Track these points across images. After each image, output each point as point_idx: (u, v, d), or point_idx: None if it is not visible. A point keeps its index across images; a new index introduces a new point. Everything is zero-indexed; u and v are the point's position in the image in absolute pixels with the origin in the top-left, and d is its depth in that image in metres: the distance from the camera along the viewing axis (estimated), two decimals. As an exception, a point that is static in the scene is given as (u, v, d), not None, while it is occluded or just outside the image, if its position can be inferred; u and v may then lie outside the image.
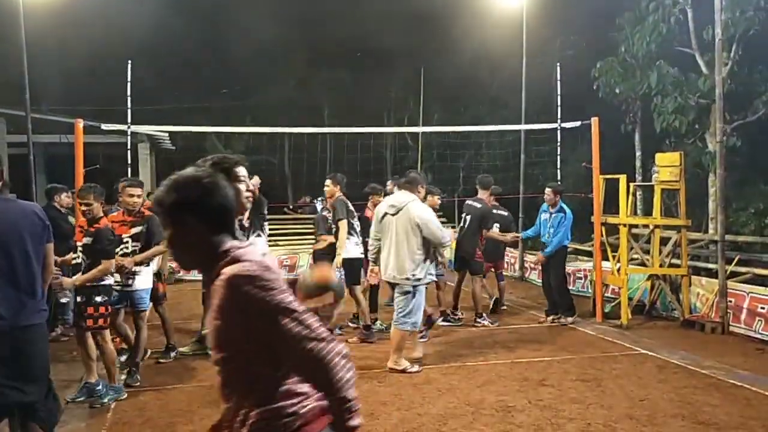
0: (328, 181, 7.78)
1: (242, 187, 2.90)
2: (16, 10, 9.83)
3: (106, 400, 5.40)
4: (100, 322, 5.39)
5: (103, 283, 5.40)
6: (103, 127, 8.98)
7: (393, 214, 6.43)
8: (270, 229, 15.82)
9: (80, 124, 7.79)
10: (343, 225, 7.45)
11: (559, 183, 9.36)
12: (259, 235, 6.24)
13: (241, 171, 2.96)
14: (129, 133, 9.07)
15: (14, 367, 3.56)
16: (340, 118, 22.93)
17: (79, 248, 5.43)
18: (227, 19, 22.26)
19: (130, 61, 8.98)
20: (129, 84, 9.07)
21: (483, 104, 21.67)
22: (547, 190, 8.82)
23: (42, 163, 16.16)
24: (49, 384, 3.88)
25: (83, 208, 5.37)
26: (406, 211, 6.35)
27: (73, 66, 20.45)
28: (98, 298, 5.34)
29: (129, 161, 9.18)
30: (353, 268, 7.68)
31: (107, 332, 5.51)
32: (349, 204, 7.75)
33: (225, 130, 16.98)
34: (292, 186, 25.10)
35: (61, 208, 7.92)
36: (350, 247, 7.58)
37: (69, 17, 16.52)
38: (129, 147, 9.23)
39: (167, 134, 17.19)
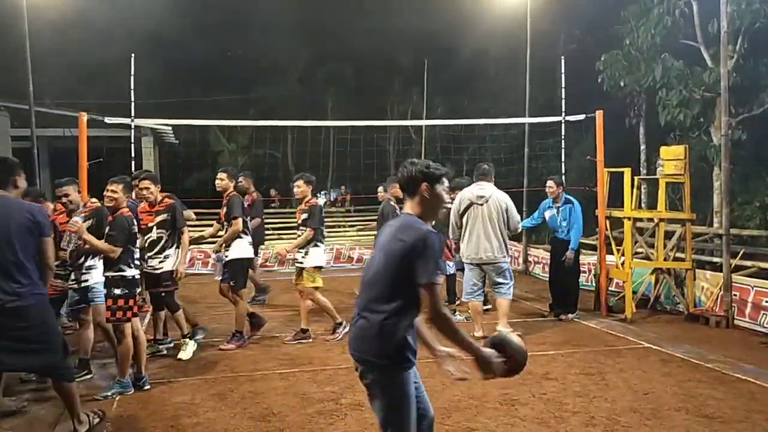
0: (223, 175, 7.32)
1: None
2: (20, 4, 9.84)
3: (109, 394, 5.39)
4: (118, 314, 5.38)
5: (123, 274, 5.37)
6: (107, 120, 8.98)
7: (481, 204, 7.29)
8: (274, 223, 15.85)
9: (84, 117, 7.80)
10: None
11: (558, 176, 9.25)
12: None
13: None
14: (132, 126, 9.07)
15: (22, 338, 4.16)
16: (343, 112, 22.92)
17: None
18: (231, 13, 22.22)
19: (133, 55, 8.96)
20: (132, 78, 9.06)
21: (487, 98, 21.63)
22: (549, 182, 8.68)
23: (46, 156, 16.19)
24: (64, 347, 4.41)
25: (110, 195, 5.47)
26: (495, 199, 7.31)
27: (77, 60, 20.48)
28: (117, 291, 5.33)
29: (133, 155, 9.18)
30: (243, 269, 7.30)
31: (128, 325, 5.45)
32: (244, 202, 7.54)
33: (228, 123, 16.96)
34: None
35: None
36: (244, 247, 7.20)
37: (73, 11, 16.52)
38: (132, 141, 9.23)
39: (171, 128, 17.21)
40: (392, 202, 8.50)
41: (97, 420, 4.67)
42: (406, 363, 3.04)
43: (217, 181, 7.15)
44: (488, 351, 3.10)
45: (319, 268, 7.37)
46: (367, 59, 23.50)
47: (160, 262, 6.60)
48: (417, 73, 21.85)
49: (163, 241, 6.63)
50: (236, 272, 7.09)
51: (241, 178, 8.72)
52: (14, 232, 4.12)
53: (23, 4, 9.59)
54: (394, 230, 3.05)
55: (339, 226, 19.18)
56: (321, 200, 9.51)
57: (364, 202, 19.57)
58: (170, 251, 6.65)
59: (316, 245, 7.30)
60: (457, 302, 8.91)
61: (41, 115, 12.16)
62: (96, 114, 9.82)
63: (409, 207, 3.17)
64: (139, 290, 5.60)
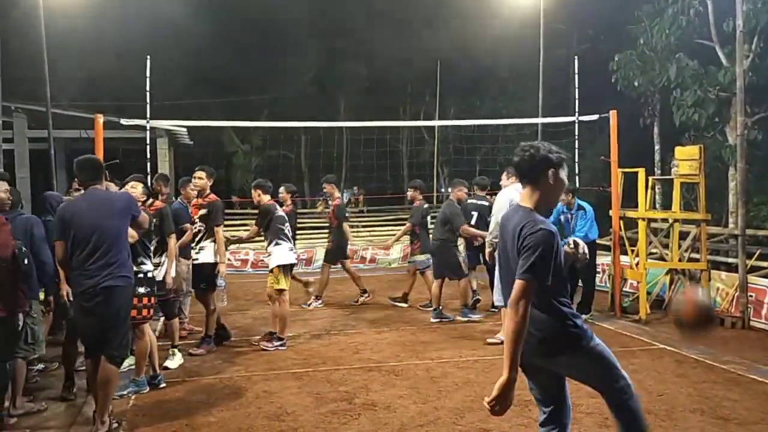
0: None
1: None
2: (36, 6, 9.95)
3: (125, 393, 5.43)
4: (144, 313, 5.39)
5: (144, 272, 5.40)
6: (123, 122, 9.07)
7: None
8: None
9: (100, 119, 7.88)
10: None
11: (569, 183, 9.14)
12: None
13: None
14: (148, 128, 9.15)
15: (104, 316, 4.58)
16: (355, 113, 22.96)
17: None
18: (244, 14, 22.33)
19: (149, 57, 9.04)
20: (148, 80, 9.13)
21: (500, 98, 21.59)
22: None
23: (63, 157, 16.33)
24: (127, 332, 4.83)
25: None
26: None
27: (93, 62, 20.66)
28: (141, 289, 5.31)
29: (148, 156, 9.25)
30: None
31: (146, 325, 5.51)
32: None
33: (242, 124, 17.06)
34: (309, 180, 25.17)
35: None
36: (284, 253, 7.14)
37: (89, 13, 16.66)
38: (148, 142, 9.31)
39: (185, 129, 17.30)
40: (454, 203, 8.66)
41: (116, 425, 4.74)
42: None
43: (195, 181, 7.01)
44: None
45: (284, 267, 7.08)
46: (379, 59, 23.52)
47: (196, 253, 6.94)
48: (430, 74, 21.85)
49: (201, 234, 6.96)
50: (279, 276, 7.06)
51: (281, 190, 8.92)
52: (108, 219, 4.59)
53: (39, 6, 9.69)
54: (517, 229, 2.96)
55: (352, 227, 19.20)
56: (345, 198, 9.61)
57: (377, 203, 19.62)
58: (205, 243, 6.94)
59: (278, 243, 7.07)
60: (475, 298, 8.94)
61: (58, 117, 12.27)
62: (112, 115, 9.91)
63: (527, 196, 3.06)
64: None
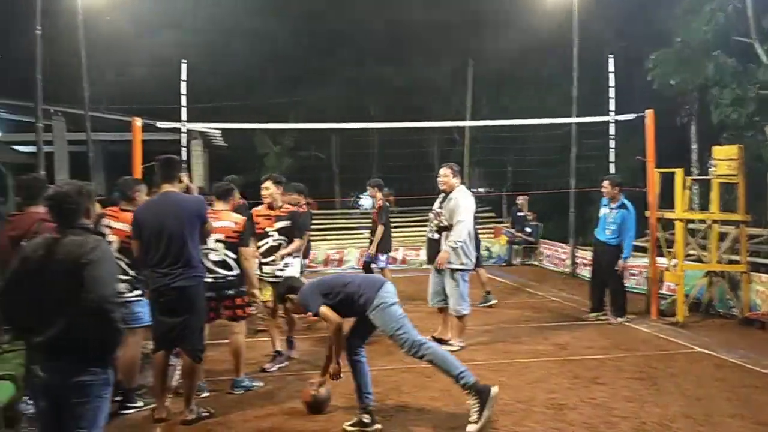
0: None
1: None
2: (75, 11, 10.18)
3: (243, 390, 5.61)
4: (238, 312, 5.59)
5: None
6: (159, 125, 9.24)
7: None
8: (318, 224, 16.00)
9: (138, 122, 8.03)
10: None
11: (617, 175, 9.02)
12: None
13: None
14: (183, 130, 9.29)
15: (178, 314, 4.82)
16: (386, 114, 22.97)
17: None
18: (275, 16, 22.51)
19: (185, 61, 9.18)
20: (184, 83, 9.27)
21: (532, 97, 21.36)
22: (605, 183, 8.42)
23: (101, 160, 16.68)
24: (201, 330, 5.03)
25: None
26: None
27: (130, 65, 21.05)
28: (241, 289, 5.54)
29: (185, 158, 9.40)
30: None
31: (242, 324, 5.67)
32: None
33: (274, 126, 17.24)
34: (339, 182, 25.26)
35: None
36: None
37: (125, 17, 16.99)
38: (184, 144, 9.45)
39: (219, 131, 17.55)
40: None
41: (206, 414, 4.98)
42: None
43: (263, 191, 6.47)
44: None
45: None
46: (408, 60, 23.48)
47: (280, 270, 6.31)
48: (461, 74, 21.74)
49: (278, 247, 6.41)
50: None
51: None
52: (180, 221, 4.77)
53: (78, 10, 9.93)
54: None
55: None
56: (366, 201, 9.57)
57: (408, 203, 19.59)
58: (290, 259, 6.42)
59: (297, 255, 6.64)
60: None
61: (95, 120, 12.55)
62: (148, 118, 10.09)
63: None
64: (211, 294, 5.54)
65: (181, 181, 5.18)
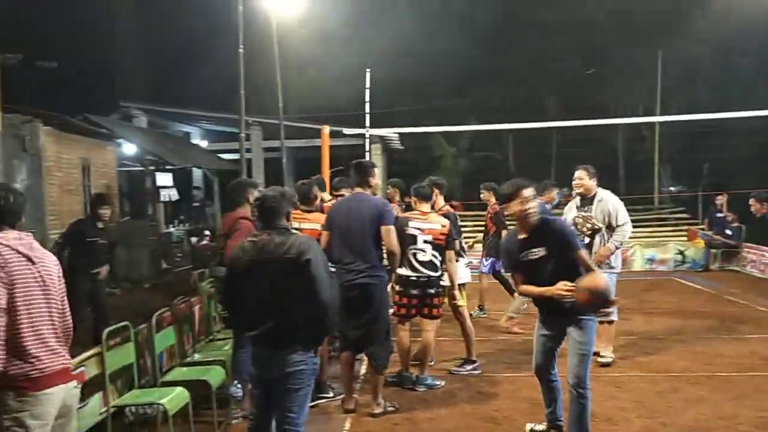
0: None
1: None
2: (270, 31, 11.05)
3: (425, 388, 5.73)
4: (434, 312, 5.73)
5: (399, 273, 5.63)
6: (345, 131, 9.73)
7: None
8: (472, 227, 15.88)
9: (326, 130, 8.54)
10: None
11: None
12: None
13: None
14: (367, 136, 9.69)
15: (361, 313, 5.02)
16: (566, 111, 22.21)
17: None
18: (452, 19, 22.73)
19: (368, 70, 9.57)
20: (367, 91, 9.67)
21: (731, 89, 19.46)
22: None
23: (291, 165, 17.96)
24: (387, 332, 5.16)
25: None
26: None
27: (313, 75, 22.43)
28: (397, 287, 5.73)
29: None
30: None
31: (435, 323, 5.83)
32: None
33: (450, 129, 17.44)
34: (516, 182, 24.87)
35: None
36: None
37: (313, 33, 18.13)
38: (368, 149, 9.87)
39: (397, 135, 18.12)
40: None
41: (392, 409, 5.17)
42: None
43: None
44: None
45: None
46: (589, 53, 22.51)
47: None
48: (650, 66, 20.43)
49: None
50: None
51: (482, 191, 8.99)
52: (367, 221, 4.98)
53: (273, 34, 10.77)
54: None
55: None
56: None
57: (589, 203, 18.82)
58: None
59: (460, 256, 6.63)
60: None
61: (286, 128, 13.53)
62: (333, 125, 10.67)
63: None
64: (416, 292, 5.69)
65: (370, 186, 5.31)
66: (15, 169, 10.29)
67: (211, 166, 18.17)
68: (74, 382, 3.09)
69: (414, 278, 5.60)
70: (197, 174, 20.17)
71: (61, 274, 3.10)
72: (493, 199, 8.91)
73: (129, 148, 16.27)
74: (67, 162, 12.86)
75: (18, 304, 2.81)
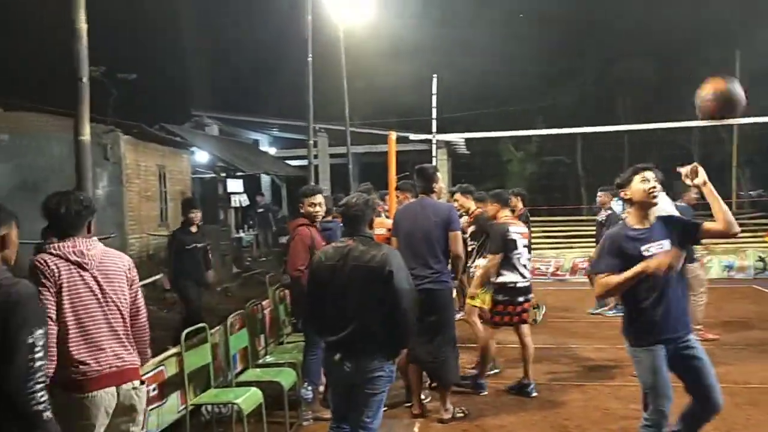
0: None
1: None
2: (336, 40, 11.22)
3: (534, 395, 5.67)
4: (524, 316, 5.74)
5: (503, 281, 5.67)
6: (411, 137, 9.78)
7: None
8: (565, 231, 15.61)
9: (393, 135, 8.58)
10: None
11: None
12: None
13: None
14: (434, 141, 9.70)
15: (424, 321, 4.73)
16: (638, 113, 21.58)
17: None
18: (518, 21, 22.50)
19: (435, 76, 9.59)
20: (434, 97, 9.69)
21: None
22: None
23: (356, 170, 18.17)
24: (454, 347, 5.09)
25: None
26: None
27: (378, 81, 22.61)
28: (499, 297, 5.68)
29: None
30: None
31: (525, 327, 5.77)
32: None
33: (519, 133, 17.23)
34: (585, 186, 24.34)
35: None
36: None
37: (380, 41, 18.28)
38: (435, 154, 9.88)
39: (463, 140, 18.03)
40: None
41: (460, 415, 5.15)
42: None
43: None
44: None
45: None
46: (665, 53, 21.80)
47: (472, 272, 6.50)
48: (727, 64, 19.62)
49: (474, 253, 6.58)
50: None
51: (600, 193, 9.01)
52: (434, 227, 4.97)
53: (341, 43, 10.93)
54: None
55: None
56: (617, 207, 9.05)
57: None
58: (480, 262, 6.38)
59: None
60: None
61: (351, 134, 13.70)
62: (399, 131, 10.73)
63: None
64: (522, 299, 5.73)
65: (433, 191, 5.33)
66: (97, 176, 10.85)
67: (279, 172, 18.59)
68: (134, 382, 3.12)
69: (522, 286, 5.65)
70: (265, 180, 20.68)
71: (133, 276, 3.18)
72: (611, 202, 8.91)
73: (202, 156, 16.84)
74: (145, 169, 13.44)
75: (65, 310, 2.89)
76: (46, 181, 11.87)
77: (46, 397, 2.26)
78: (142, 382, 3.20)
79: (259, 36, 27.10)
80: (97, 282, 3.00)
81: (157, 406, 4.32)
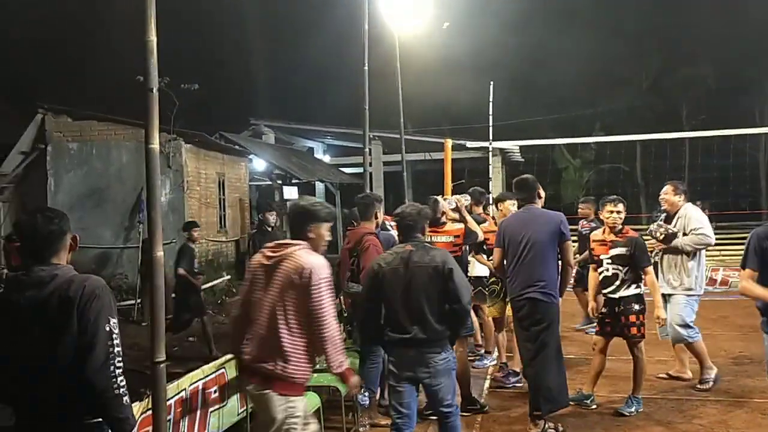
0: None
1: None
2: (393, 49, 11.27)
3: (632, 410, 5.40)
4: (632, 330, 5.31)
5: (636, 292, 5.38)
6: (468, 144, 9.76)
7: None
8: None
9: (449, 143, 8.60)
10: None
11: None
12: None
13: None
14: (490, 149, 9.65)
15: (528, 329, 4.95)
16: (700, 119, 20.98)
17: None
18: (576, 26, 22.19)
19: (492, 83, 9.54)
20: (491, 104, 9.64)
21: None
22: None
23: (410, 178, 18.22)
24: (558, 360, 4.99)
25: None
26: None
27: (432, 89, 22.65)
28: (636, 306, 5.35)
29: (490, 175, 9.77)
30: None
31: (641, 343, 5.37)
32: None
33: (574, 141, 16.97)
34: (644, 195, 23.74)
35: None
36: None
37: (435, 51, 18.29)
38: (490, 162, 9.82)
39: (517, 147, 17.87)
40: None
41: (551, 429, 4.89)
42: None
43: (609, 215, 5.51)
44: None
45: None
46: (727, 58, 21.12)
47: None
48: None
49: (618, 280, 5.38)
50: None
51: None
52: (544, 236, 4.92)
53: (397, 52, 10.98)
54: None
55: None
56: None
57: (726, 218, 17.59)
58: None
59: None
60: None
61: (405, 142, 13.74)
62: (455, 139, 10.71)
63: None
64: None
65: (540, 197, 5.23)
66: (161, 183, 11.20)
67: (333, 179, 18.79)
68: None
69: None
70: (320, 187, 20.95)
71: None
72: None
73: (259, 164, 17.17)
74: (205, 177, 13.81)
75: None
76: (110, 188, 12.37)
77: (125, 383, 2.39)
78: None
79: (316, 45, 27.53)
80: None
81: (217, 408, 4.43)
